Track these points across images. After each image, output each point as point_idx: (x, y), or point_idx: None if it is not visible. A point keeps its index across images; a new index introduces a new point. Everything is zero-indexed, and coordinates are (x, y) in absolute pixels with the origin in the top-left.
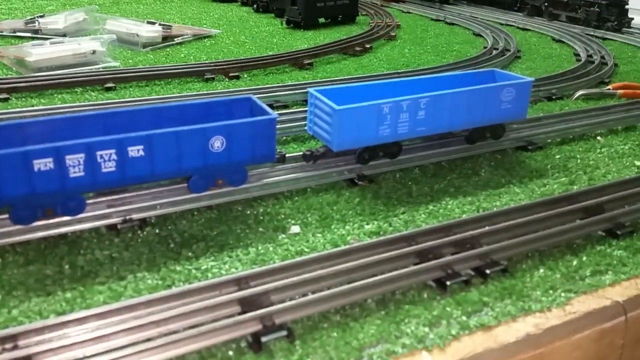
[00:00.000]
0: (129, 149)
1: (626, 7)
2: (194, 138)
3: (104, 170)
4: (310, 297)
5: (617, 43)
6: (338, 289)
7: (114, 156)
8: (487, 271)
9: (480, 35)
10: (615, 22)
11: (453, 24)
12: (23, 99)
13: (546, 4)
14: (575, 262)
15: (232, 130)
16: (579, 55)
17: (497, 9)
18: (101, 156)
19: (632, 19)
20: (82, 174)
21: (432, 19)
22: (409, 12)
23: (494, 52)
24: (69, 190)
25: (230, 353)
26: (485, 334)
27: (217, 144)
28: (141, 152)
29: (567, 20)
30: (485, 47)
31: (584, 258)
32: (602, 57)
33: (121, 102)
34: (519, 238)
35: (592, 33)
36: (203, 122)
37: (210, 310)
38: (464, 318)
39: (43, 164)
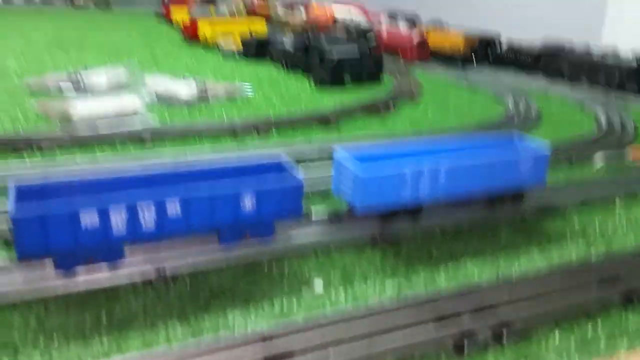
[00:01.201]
0: (168, 206)
1: None
2: (226, 198)
3: (143, 225)
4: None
5: (638, 108)
6: (359, 354)
7: (153, 214)
8: (504, 335)
9: (502, 99)
10: (637, 88)
11: (475, 87)
12: (65, 151)
13: (567, 68)
14: (590, 328)
15: (261, 191)
16: (599, 119)
17: (519, 74)
18: (142, 214)
19: None
20: (123, 229)
21: (455, 82)
22: (433, 74)
23: (515, 115)
24: (110, 243)
25: None
26: None
27: (248, 203)
28: (178, 210)
29: (588, 84)
30: (506, 111)
31: (600, 324)
32: (622, 122)
33: (158, 158)
34: (536, 304)
35: (612, 98)
36: (236, 182)
37: None
38: None
39: (89, 222)
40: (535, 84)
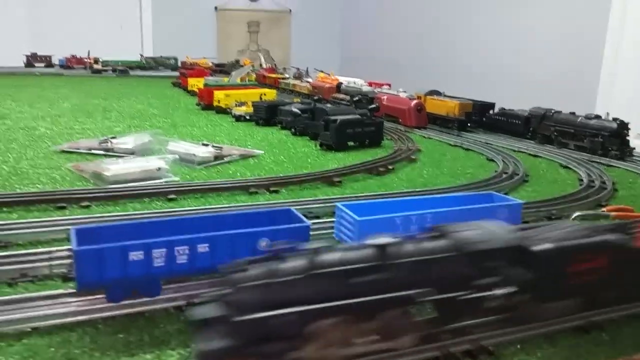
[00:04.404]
0: (198, 246)
1: (627, 137)
2: (245, 239)
3: (178, 261)
4: None
5: (621, 170)
6: None
7: (186, 251)
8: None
9: (493, 161)
10: (618, 152)
11: (469, 150)
12: (101, 206)
13: (555, 133)
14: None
15: (275, 234)
16: (582, 180)
17: (510, 137)
18: (178, 251)
19: (634, 148)
20: (162, 264)
21: (450, 145)
22: (430, 138)
23: (504, 175)
24: (151, 276)
25: None
26: None
27: (263, 244)
28: (206, 249)
29: (575, 148)
30: (496, 171)
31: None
32: (603, 182)
33: (182, 210)
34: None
35: (597, 160)
36: (252, 228)
37: None
38: None
39: (136, 255)
40: (525, 146)
